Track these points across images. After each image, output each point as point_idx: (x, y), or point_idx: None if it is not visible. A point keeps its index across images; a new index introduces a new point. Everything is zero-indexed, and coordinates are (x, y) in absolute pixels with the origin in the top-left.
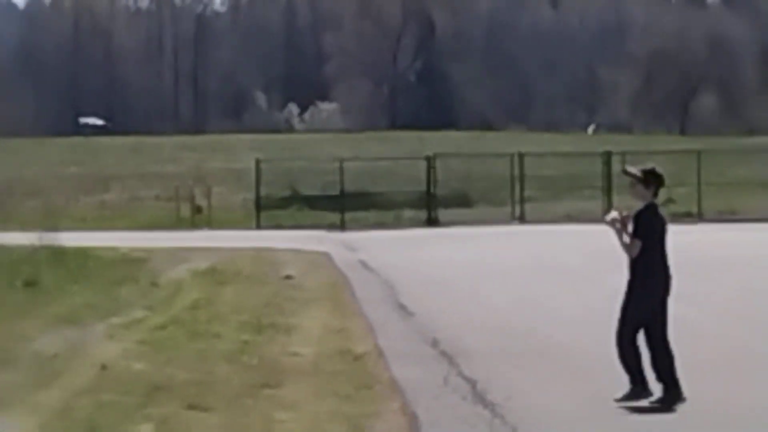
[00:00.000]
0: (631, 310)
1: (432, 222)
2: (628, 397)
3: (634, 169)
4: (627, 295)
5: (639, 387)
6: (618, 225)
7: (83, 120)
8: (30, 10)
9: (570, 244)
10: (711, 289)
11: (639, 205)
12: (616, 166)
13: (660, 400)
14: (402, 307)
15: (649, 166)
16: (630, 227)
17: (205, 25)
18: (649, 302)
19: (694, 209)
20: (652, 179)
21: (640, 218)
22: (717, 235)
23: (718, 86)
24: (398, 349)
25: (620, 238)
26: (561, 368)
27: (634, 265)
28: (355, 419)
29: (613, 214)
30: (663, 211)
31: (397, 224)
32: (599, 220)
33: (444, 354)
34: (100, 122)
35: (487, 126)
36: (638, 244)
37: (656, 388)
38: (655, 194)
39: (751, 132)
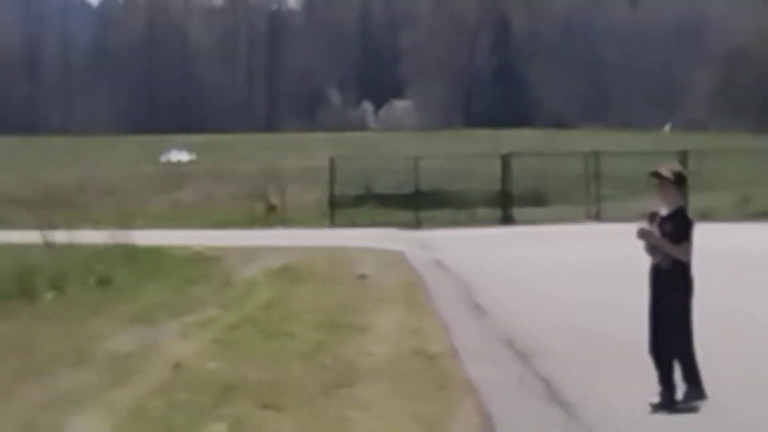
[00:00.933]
0: (676, 304)
1: (507, 220)
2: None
3: (665, 170)
4: (670, 289)
5: (693, 388)
6: (654, 235)
7: (165, 157)
8: (104, 8)
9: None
10: None
11: (660, 208)
12: (692, 165)
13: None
14: (477, 307)
15: (677, 167)
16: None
17: (279, 23)
18: (687, 296)
19: None
20: (683, 180)
21: (685, 219)
22: None
23: None
24: (473, 348)
25: (662, 246)
26: (636, 370)
27: (670, 267)
28: (430, 419)
29: (644, 225)
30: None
31: (472, 222)
32: None
33: (519, 354)
34: (185, 156)
35: (562, 125)
36: (691, 246)
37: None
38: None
39: None
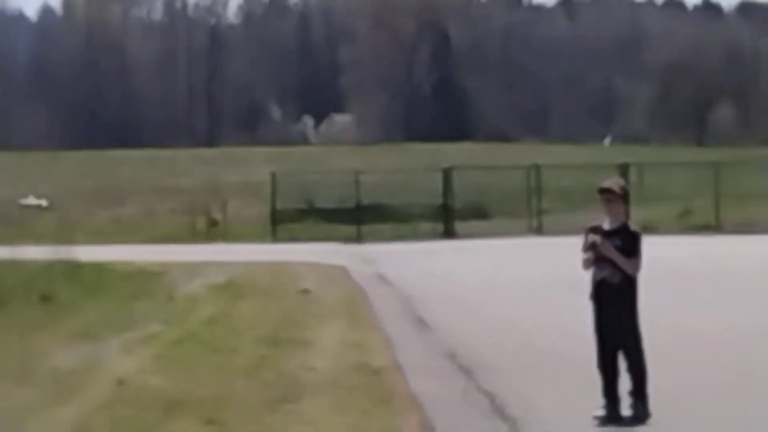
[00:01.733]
0: (624, 319)
1: (449, 234)
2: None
3: (614, 186)
4: (618, 304)
5: (640, 405)
6: (611, 247)
7: (24, 201)
8: (42, 22)
9: None
10: (732, 304)
11: (602, 222)
12: (633, 178)
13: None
14: (420, 321)
15: (621, 181)
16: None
17: (218, 38)
18: (633, 311)
19: (712, 221)
20: (629, 195)
21: (634, 233)
22: (735, 248)
23: (735, 97)
24: (416, 363)
25: (616, 259)
26: (577, 384)
27: (619, 281)
28: None
29: (597, 238)
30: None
31: (414, 237)
32: None
33: (462, 368)
34: (42, 202)
35: (503, 138)
36: (641, 260)
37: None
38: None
39: None
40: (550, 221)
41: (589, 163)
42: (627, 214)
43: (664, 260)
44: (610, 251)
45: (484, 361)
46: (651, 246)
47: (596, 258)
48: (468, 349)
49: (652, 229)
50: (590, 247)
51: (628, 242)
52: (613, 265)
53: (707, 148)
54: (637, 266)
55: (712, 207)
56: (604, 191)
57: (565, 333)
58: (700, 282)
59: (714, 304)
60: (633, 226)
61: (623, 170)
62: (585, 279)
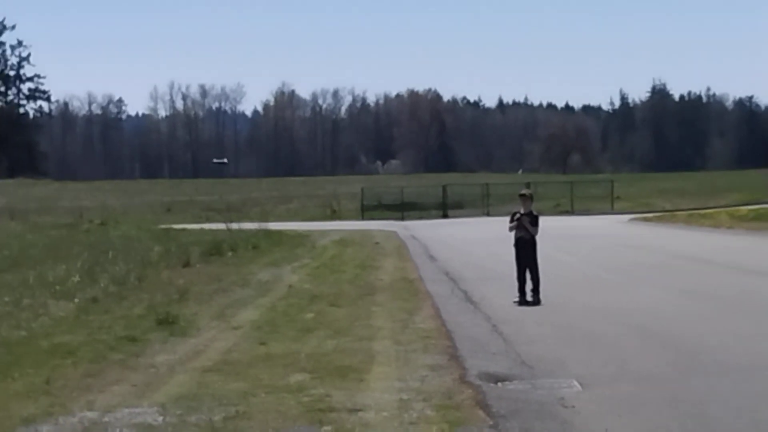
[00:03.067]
0: (531, 256)
1: (445, 216)
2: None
3: (527, 192)
4: (527, 249)
5: (536, 294)
6: (523, 220)
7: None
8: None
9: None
10: (577, 247)
11: (520, 209)
12: (532, 189)
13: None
14: (431, 257)
15: (529, 189)
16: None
17: (338, 123)
18: (535, 251)
19: (570, 209)
20: (533, 197)
21: (536, 216)
22: (580, 222)
23: (582, 152)
24: (429, 277)
25: (527, 226)
26: (506, 286)
27: (529, 237)
28: (410, 308)
29: (520, 218)
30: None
31: (429, 217)
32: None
33: (451, 279)
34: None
35: (470, 170)
36: (539, 228)
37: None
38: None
39: (599, 172)
40: (493, 209)
41: (512, 182)
42: (531, 206)
43: (546, 227)
44: (525, 223)
45: (461, 275)
46: (543, 221)
47: (517, 226)
48: (454, 270)
49: (541, 212)
50: (517, 220)
51: (534, 219)
52: (526, 230)
53: (567, 175)
54: (536, 231)
55: (569, 202)
56: (522, 195)
57: (499, 262)
58: (563, 237)
59: (571, 245)
60: (535, 211)
61: (528, 186)
62: (508, 237)
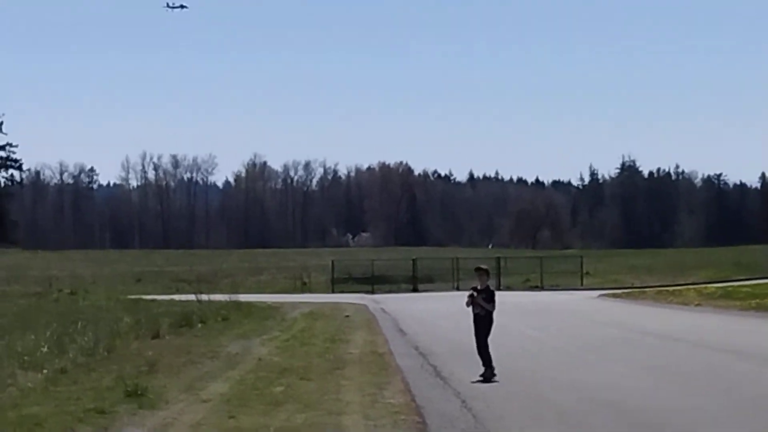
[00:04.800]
0: (486, 332)
1: (415, 290)
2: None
3: (483, 267)
4: (484, 325)
5: (490, 369)
6: (477, 296)
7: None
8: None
9: None
10: (547, 323)
11: (478, 285)
12: (502, 264)
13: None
14: (401, 331)
15: (485, 265)
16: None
17: (309, 196)
18: (490, 327)
19: (539, 284)
20: (490, 272)
21: (492, 292)
22: (549, 297)
23: (552, 228)
24: (399, 351)
25: (481, 303)
26: (474, 360)
27: (485, 314)
28: (381, 383)
29: (473, 293)
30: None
31: (399, 291)
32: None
33: (421, 353)
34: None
35: (440, 244)
36: (494, 304)
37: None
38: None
39: (569, 247)
40: (462, 283)
41: (482, 256)
42: (489, 281)
43: (516, 303)
44: (480, 300)
45: (431, 350)
46: (509, 296)
47: (473, 302)
48: (424, 344)
49: (510, 287)
50: (469, 296)
51: (489, 295)
52: (482, 306)
53: (536, 250)
54: (492, 307)
55: (539, 277)
56: (478, 269)
57: (469, 336)
58: (532, 312)
59: (540, 321)
60: (491, 287)
61: (498, 260)
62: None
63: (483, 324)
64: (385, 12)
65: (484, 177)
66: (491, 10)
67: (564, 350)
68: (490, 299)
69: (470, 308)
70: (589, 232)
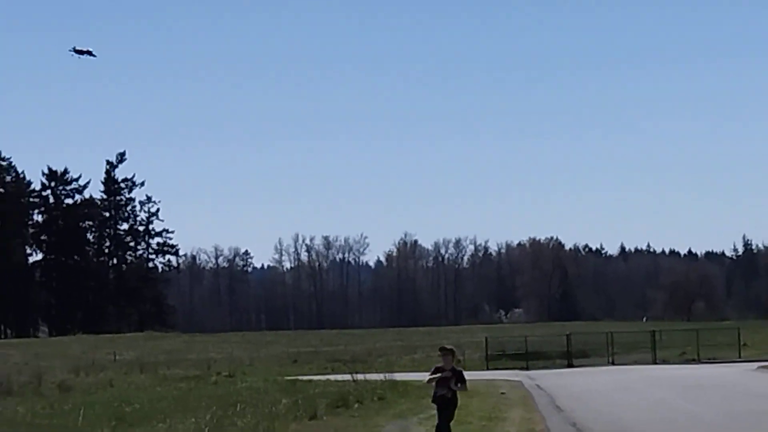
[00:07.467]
0: (451, 416)
1: (570, 365)
2: None
3: (448, 347)
4: (450, 407)
5: None
6: (445, 378)
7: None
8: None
9: (643, 374)
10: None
11: (443, 365)
12: (657, 337)
13: None
14: (558, 408)
15: (450, 345)
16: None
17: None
18: (455, 410)
19: (695, 356)
20: (455, 352)
21: (461, 372)
22: (706, 370)
23: (705, 299)
24: (556, 428)
25: (449, 384)
26: None
27: (451, 396)
28: None
29: (442, 374)
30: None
31: (554, 366)
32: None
33: (578, 430)
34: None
35: (594, 319)
36: (465, 384)
37: None
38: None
39: (724, 318)
40: (617, 358)
41: (637, 330)
42: (454, 361)
43: (677, 377)
44: (452, 384)
45: (588, 427)
46: (670, 369)
47: (438, 383)
48: (581, 421)
49: (666, 361)
50: (432, 375)
51: (459, 377)
52: (448, 387)
53: (691, 322)
54: (465, 388)
55: (695, 350)
56: (443, 350)
57: (622, 409)
58: (691, 387)
59: (697, 395)
60: (458, 367)
61: (652, 333)
62: (634, 386)
63: (449, 406)
64: (531, 96)
65: (636, 250)
66: (645, 86)
67: (723, 425)
68: (462, 379)
69: (440, 388)
70: (744, 303)
